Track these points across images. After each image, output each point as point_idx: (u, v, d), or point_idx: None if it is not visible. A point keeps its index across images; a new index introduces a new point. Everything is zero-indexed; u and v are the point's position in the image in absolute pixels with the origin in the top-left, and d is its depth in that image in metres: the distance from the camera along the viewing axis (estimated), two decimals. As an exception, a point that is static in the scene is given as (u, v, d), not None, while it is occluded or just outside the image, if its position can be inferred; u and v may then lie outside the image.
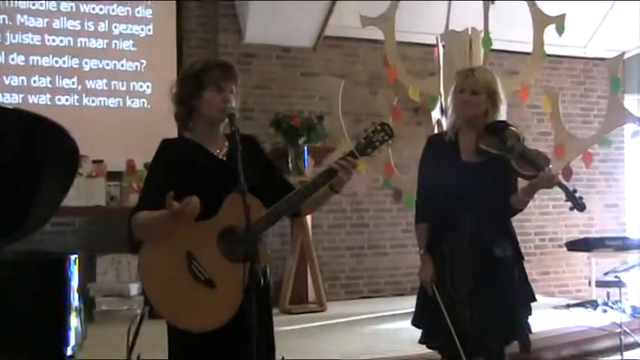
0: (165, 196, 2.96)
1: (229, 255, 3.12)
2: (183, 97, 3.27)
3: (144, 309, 3.22)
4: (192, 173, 3.18)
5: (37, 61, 7.62)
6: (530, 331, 3.95)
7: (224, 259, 3.10)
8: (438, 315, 3.79)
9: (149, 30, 8.07)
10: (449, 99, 4.09)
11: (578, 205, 3.80)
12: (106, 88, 7.85)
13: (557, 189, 3.81)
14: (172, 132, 3.47)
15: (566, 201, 3.82)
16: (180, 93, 3.30)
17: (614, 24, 9.45)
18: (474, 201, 3.85)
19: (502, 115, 3.97)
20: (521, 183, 4.03)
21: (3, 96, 7.45)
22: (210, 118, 3.25)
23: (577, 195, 3.80)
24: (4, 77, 7.50)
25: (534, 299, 3.98)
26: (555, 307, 7.52)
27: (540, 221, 9.51)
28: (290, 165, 7.41)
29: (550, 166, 3.83)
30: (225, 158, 3.27)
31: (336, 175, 3.17)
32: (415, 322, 4.02)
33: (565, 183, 3.85)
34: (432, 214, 3.94)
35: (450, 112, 4.08)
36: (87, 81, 7.78)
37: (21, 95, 7.54)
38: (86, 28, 7.82)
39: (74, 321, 3.18)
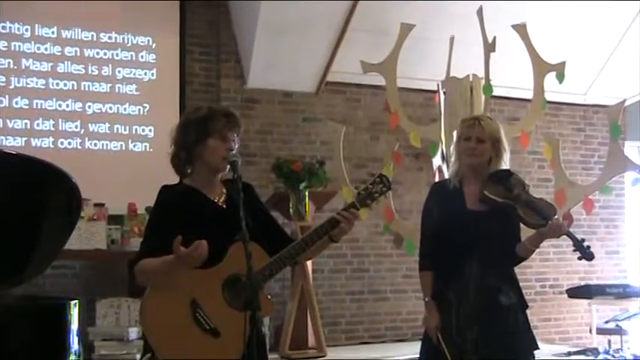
0: (167, 243, 2.96)
1: (234, 304, 3.12)
2: (186, 143, 3.29)
3: (146, 357, 3.20)
4: (192, 220, 3.19)
5: (41, 104, 7.64)
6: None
7: (229, 307, 3.10)
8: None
9: (152, 74, 8.12)
10: (451, 146, 4.12)
11: (587, 254, 3.82)
12: (108, 131, 7.87)
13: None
14: (174, 176, 3.49)
15: (574, 251, 3.84)
16: (182, 138, 3.32)
17: (614, 71, 9.50)
18: (480, 249, 3.87)
19: (506, 163, 4.01)
20: (524, 231, 4.04)
21: (6, 139, 7.47)
22: (212, 166, 3.27)
23: (585, 244, 3.83)
24: (8, 121, 7.52)
25: (537, 347, 3.98)
26: (556, 355, 7.47)
27: (541, 267, 9.48)
28: (291, 210, 7.40)
29: (557, 215, 3.86)
30: (224, 206, 3.28)
31: (339, 226, 3.20)
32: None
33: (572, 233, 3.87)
34: (436, 262, 3.95)
35: (452, 159, 4.11)
36: (90, 124, 7.79)
37: (24, 138, 7.55)
38: (90, 72, 7.86)
39: (73, 366, 3.17)
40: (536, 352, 3.99)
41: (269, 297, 3.24)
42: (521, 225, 4.03)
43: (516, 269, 4.10)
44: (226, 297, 3.14)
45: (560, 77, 7.08)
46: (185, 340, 3.08)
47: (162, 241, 3.06)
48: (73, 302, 3.23)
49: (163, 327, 3.10)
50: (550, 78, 7.13)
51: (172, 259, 3.01)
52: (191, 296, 3.11)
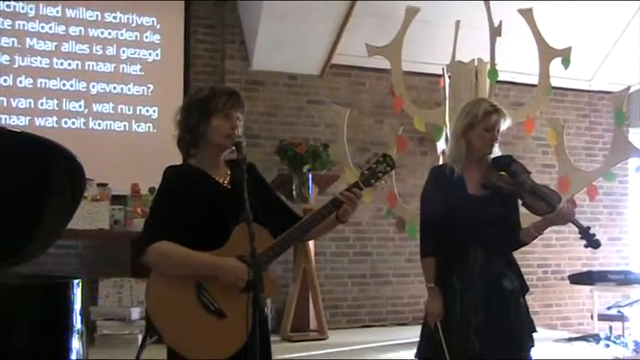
0: (175, 224, 3.06)
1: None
2: (190, 124, 3.28)
3: (150, 338, 3.21)
4: (197, 201, 3.19)
5: (45, 84, 7.64)
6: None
7: (233, 289, 3.09)
8: (442, 348, 3.80)
9: (157, 55, 8.11)
10: (458, 131, 4.08)
11: (593, 242, 3.83)
12: (112, 111, 7.87)
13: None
14: (178, 157, 3.49)
15: (581, 238, 3.84)
16: (186, 120, 3.31)
17: (619, 58, 9.48)
18: (483, 234, 3.87)
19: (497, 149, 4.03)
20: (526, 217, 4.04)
21: (10, 118, 7.48)
22: (217, 146, 3.26)
23: (591, 232, 3.83)
24: (12, 100, 7.52)
25: (535, 330, 4.00)
26: (557, 341, 7.48)
27: (543, 254, 9.48)
28: (294, 192, 7.40)
29: (562, 202, 3.86)
30: (229, 186, 3.27)
31: (342, 206, 3.18)
32: (419, 354, 4.01)
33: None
34: (438, 247, 3.94)
35: (456, 143, 4.07)
36: (94, 104, 7.80)
37: (28, 118, 7.56)
38: (94, 52, 7.85)
39: (76, 345, 3.17)
40: (536, 337, 4.00)
41: (274, 282, 3.23)
42: (522, 210, 4.04)
43: (518, 255, 4.10)
44: None
45: (566, 63, 7.06)
46: (190, 322, 3.09)
47: (171, 222, 3.13)
48: (76, 281, 3.23)
49: (169, 309, 3.12)
50: (556, 63, 7.10)
51: (211, 262, 3.10)
52: (196, 278, 3.11)
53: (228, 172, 3.33)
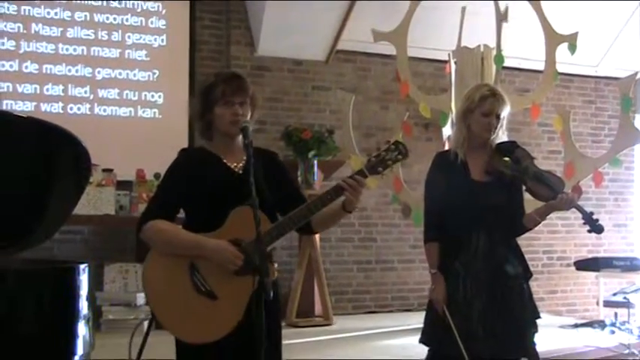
0: (174, 203, 3.14)
1: None
2: (198, 114, 3.31)
3: (151, 319, 3.23)
4: (205, 185, 3.21)
5: (51, 69, 7.65)
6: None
7: (226, 271, 3.09)
8: (447, 333, 3.80)
9: (162, 40, 8.10)
10: (458, 116, 4.08)
11: (596, 227, 3.84)
12: (117, 97, 7.88)
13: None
14: (183, 142, 3.52)
15: (584, 224, 3.85)
16: (194, 110, 3.34)
17: (626, 43, 9.44)
18: (486, 220, 3.87)
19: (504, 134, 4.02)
20: (530, 202, 4.04)
21: (16, 103, 7.48)
22: (224, 133, 3.27)
23: (594, 217, 3.83)
24: (18, 85, 7.53)
25: (539, 316, 4.01)
26: (562, 327, 7.48)
27: (549, 240, 9.48)
28: (299, 178, 7.40)
29: (565, 187, 3.87)
30: (241, 172, 3.27)
31: (343, 194, 3.14)
32: (424, 340, 4.02)
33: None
34: (442, 233, 3.94)
35: (457, 128, 4.08)
36: (99, 90, 7.80)
37: (33, 103, 7.56)
38: (100, 37, 7.85)
39: (83, 330, 3.18)
40: (541, 323, 4.01)
41: (273, 265, 3.22)
42: (526, 196, 4.04)
43: (523, 241, 4.11)
44: None
45: (572, 48, 7.03)
46: (182, 303, 3.11)
47: (173, 203, 3.22)
48: (82, 266, 3.24)
49: (161, 288, 3.15)
50: (562, 49, 7.07)
51: (195, 242, 3.12)
52: (190, 259, 3.12)
53: (244, 158, 3.31)
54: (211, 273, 3.11)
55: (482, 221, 3.89)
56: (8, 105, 7.43)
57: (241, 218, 3.04)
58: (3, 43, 7.52)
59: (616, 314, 7.86)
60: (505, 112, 3.94)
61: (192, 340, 3.12)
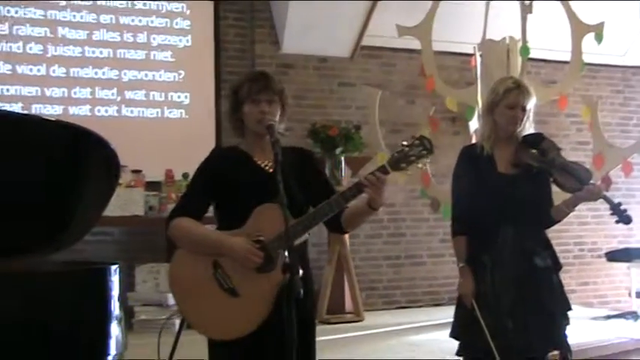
0: (203, 201, 3.22)
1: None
2: (229, 113, 3.35)
3: (182, 319, 3.26)
4: (232, 182, 3.23)
5: (78, 72, 7.72)
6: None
7: (250, 269, 3.10)
8: (477, 327, 3.79)
9: (187, 41, 8.14)
10: (484, 109, 4.08)
11: (623, 218, 3.81)
12: (144, 98, 7.94)
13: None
14: (210, 141, 3.56)
15: (612, 214, 3.83)
16: (227, 110, 3.39)
17: (653, 32, 9.37)
18: (514, 213, 3.86)
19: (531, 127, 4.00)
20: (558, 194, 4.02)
21: (44, 107, 7.56)
22: (253, 131, 3.29)
23: (622, 207, 3.81)
24: (46, 89, 7.61)
25: (570, 308, 3.99)
26: (594, 318, 7.44)
27: (579, 231, 9.43)
28: (327, 175, 7.40)
29: (594, 178, 3.85)
30: (271, 170, 3.26)
31: (365, 190, 3.09)
32: (454, 334, 4.01)
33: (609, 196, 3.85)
34: (470, 226, 3.94)
35: (483, 122, 4.08)
36: (126, 92, 7.87)
37: (62, 107, 7.64)
38: (125, 39, 7.92)
39: (115, 330, 3.20)
40: (572, 315, 3.99)
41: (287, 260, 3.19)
42: (554, 188, 4.02)
43: (554, 233, 4.09)
44: None
45: (599, 38, 6.97)
46: (206, 299, 3.14)
47: (202, 202, 3.26)
48: (113, 267, 3.26)
49: (186, 285, 3.20)
50: (588, 39, 7.02)
51: (216, 240, 3.16)
52: (214, 256, 3.15)
53: None
54: (234, 270, 3.13)
55: (509, 214, 3.88)
56: (37, 109, 7.52)
57: (264, 215, 3.07)
58: (31, 48, 7.60)
59: (648, 305, 7.80)
60: (531, 104, 3.92)
61: (216, 336, 3.16)
